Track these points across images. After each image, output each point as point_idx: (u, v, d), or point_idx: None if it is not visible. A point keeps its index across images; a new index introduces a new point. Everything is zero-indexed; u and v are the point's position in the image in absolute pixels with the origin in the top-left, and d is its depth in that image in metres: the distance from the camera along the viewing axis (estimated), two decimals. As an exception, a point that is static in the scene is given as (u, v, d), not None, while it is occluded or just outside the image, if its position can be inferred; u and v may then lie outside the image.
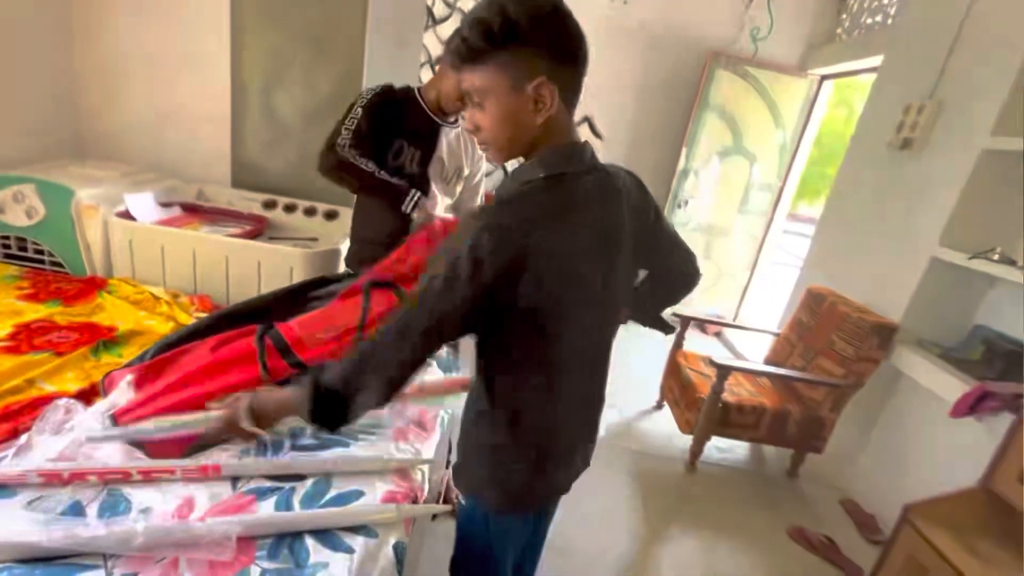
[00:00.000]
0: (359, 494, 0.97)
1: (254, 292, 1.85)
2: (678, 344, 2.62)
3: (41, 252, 2.00)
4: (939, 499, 1.49)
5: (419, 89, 1.60)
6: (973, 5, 2.02)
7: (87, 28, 2.32)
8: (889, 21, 2.97)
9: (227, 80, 2.37)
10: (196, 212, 2.29)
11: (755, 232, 3.96)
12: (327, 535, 0.87)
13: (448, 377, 1.28)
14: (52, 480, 0.88)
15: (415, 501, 1.00)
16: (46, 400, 1.12)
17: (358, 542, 0.87)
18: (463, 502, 0.90)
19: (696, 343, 3.56)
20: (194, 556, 0.78)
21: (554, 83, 0.69)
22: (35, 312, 1.59)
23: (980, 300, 2.02)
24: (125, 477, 0.92)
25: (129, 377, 1.14)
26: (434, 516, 1.56)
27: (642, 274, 1.03)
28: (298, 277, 1.84)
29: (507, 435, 0.82)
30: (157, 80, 2.40)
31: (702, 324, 3.74)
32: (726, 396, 2.16)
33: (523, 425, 0.82)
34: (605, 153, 3.76)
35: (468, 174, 1.76)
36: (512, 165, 0.79)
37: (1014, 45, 1.82)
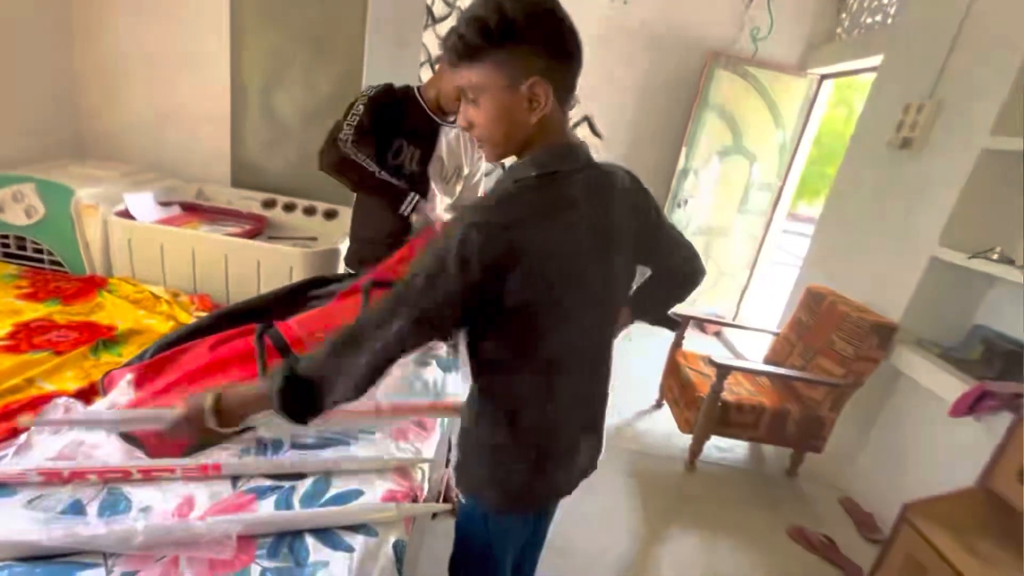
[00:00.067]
0: (359, 493, 0.97)
1: (254, 291, 1.85)
2: (677, 343, 2.63)
3: (40, 251, 2.00)
4: (938, 498, 1.49)
5: (419, 88, 1.59)
6: (973, 5, 2.02)
7: (87, 28, 2.32)
8: (889, 21, 2.97)
9: (227, 80, 2.38)
10: (196, 211, 2.30)
11: (755, 232, 3.96)
12: (327, 534, 0.87)
13: (436, 400, 1.25)
14: (52, 479, 0.88)
15: (415, 500, 1.00)
16: (45, 399, 1.13)
17: (358, 541, 0.86)
18: (463, 501, 0.90)
19: (696, 342, 3.56)
20: (194, 555, 0.78)
21: (549, 82, 0.69)
22: (34, 311, 1.59)
23: (980, 300, 2.02)
24: (125, 476, 0.92)
25: (129, 376, 1.14)
26: (434, 515, 1.57)
27: (645, 273, 1.04)
28: (297, 276, 1.84)
29: (507, 435, 0.82)
30: (157, 80, 2.40)
31: (702, 323, 3.75)
32: (725, 395, 2.16)
33: (522, 425, 0.81)
34: (605, 153, 3.77)
35: (467, 173, 1.76)
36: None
37: (1014, 45, 1.82)
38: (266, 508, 0.91)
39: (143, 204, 2.06)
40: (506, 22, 0.65)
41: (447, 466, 1.51)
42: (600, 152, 3.86)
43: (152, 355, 1.21)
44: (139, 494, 0.90)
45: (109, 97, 2.42)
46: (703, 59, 3.52)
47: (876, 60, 2.73)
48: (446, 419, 1.29)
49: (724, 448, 2.50)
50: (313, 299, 1.41)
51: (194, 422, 0.79)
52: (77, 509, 0.85)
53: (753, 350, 3.50)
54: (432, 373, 1.38)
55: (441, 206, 1.69)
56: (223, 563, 0.78)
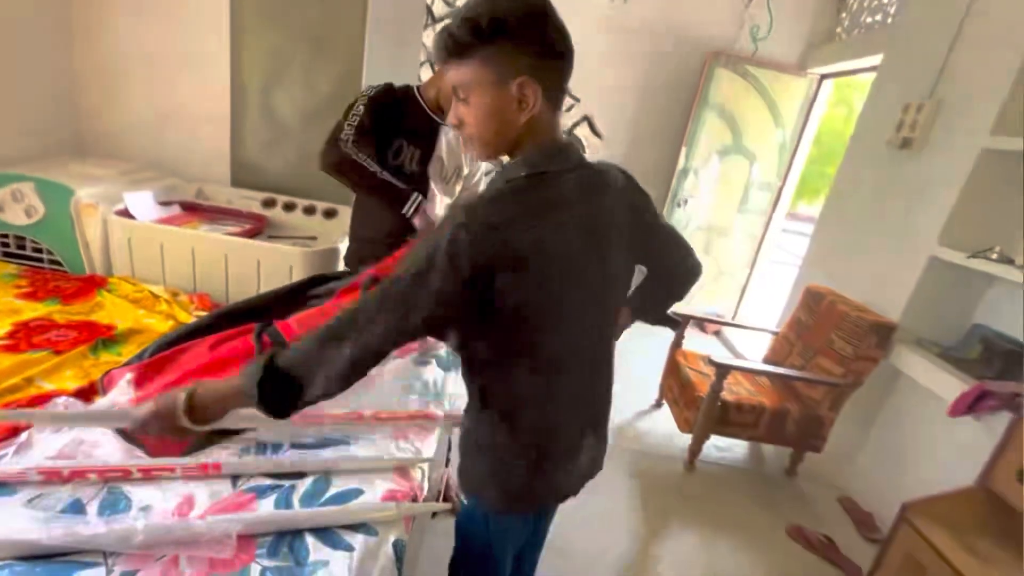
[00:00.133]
0: (359, 492, 0.97)
1: (253, 290, 1.85)
2: (677, 343, 2.63)
3: (40, 251, 2.00)
4: (937, 498, 1.50)
5: (418, 88, 1.59)
6: (973, 4, 2.02)
7: (87, 28, 2.32)
8: (889, 20, 2.97)
9: (227, 80, 2.37)
10: (195, 211, 2.30)
11: (754, 231, 3.96)
12: (327, 533, 0.87)
13: (421, 410, 1.24)
14: (52, 478, 0.88)
15: (415, 499, 1.00)
16: (45, 398, 1.13)
17: (358, 540, 0.87)
18: (464, 501, 0.90)
19: (695, 342, 3.57)
20: (194, 554, 0.78)
21: (538, 82, 0.69)
22: (33, 310, 1.59)
23: (979, 299, 2.03)
24: (125, 475, 0.92)
25: (128, 375, 1.14)
26: (434, 514, 1.57)
27: (643, 273, 1.04)
28: (297, 275, 1.84)
29: (506, 435, 0.82)
30: (157, 80, 2.40)
31: (701, 323, 3.76)
32: (725, 395, 2.17)
33: (522, 425, 0.81)
34: (605, 152, 3.77)
35: (467, 173, 1.76)
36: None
37: (1014, 45, 1.82)
38: (266, 507, 0.91)
39: (143, 203, 2.06)
40: (496, 20, 0.66)
41: (447, 466, 1.51)
42: (600, 152, 3.86)
43: (152, 354, 1.21)
44: (139, 493, 0.90)
45: (109, 97, 2.42)
46: (703, 58, 3.53)
47: (876, 60, 2.73)
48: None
49: (724, 448, 2.50)
50: (313, 298, 1.41)
51: (165, 420, 0.76)
52: (77, 508, 0.85)
53: (753, 349, 3.50)
54: (432, 373, 1.38)
55: (441, 206, 1.69)
56: (223, 562, 0.79)
